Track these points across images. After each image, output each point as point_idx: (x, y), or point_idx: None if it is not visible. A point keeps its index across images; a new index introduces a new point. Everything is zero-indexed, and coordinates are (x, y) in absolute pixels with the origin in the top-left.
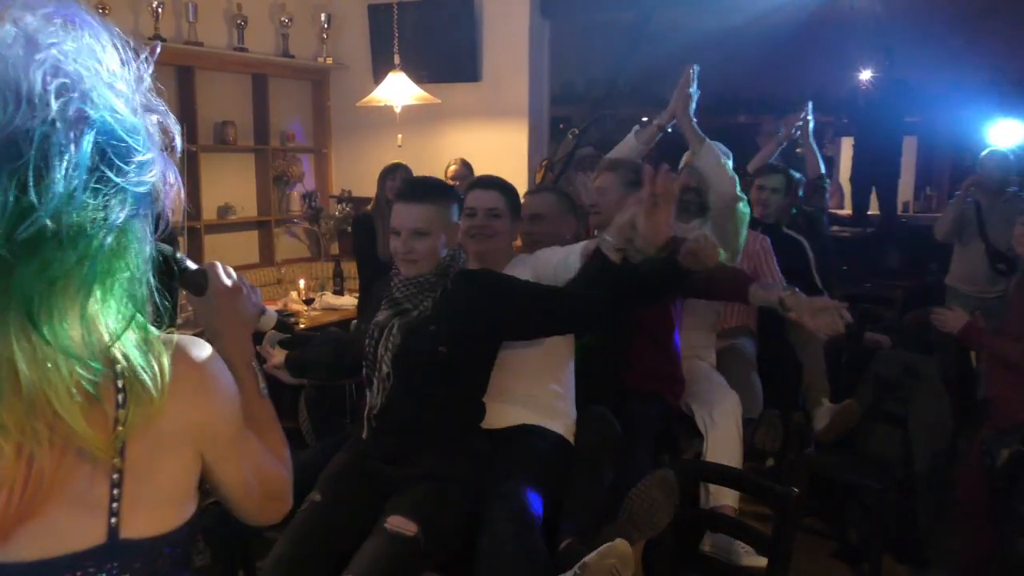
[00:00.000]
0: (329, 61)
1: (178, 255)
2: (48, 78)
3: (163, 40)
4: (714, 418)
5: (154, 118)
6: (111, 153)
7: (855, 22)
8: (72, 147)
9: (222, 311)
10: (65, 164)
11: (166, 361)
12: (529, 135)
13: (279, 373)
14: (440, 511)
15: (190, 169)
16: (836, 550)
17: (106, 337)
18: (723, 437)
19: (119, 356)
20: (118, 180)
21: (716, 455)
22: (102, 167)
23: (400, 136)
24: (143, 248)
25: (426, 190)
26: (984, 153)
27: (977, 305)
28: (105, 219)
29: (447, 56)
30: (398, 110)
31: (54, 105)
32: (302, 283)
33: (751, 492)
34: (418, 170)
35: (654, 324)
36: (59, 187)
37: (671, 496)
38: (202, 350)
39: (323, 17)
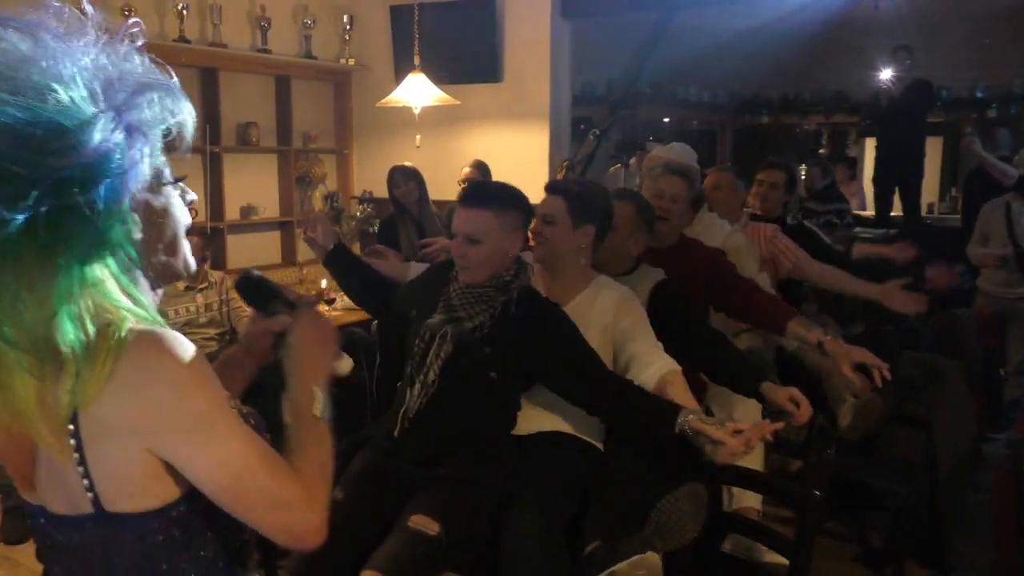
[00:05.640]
0: (351, 62)
1: (270, 282)
2: None
3: (187, 42)
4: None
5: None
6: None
7: (879, 22)
8: None
9: (306, 353)
10: None
11: (110, 356)
12: (550, 136)
13: (314, 246)
14: (464, 513)
15: (213, 170)
16: (858, 554)
17: (42, 328)
18: None
19: (62, 347)
20: (23, 172)
21: None
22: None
23: (418, 137)
24: (76, 241)
25: (486, 196)
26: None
27: (1004, 306)
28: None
29: (468, 57)
30: (417, 111)
31: None
32: (324, 283)
33: (772, 495)
34: (436, 172)
35: None
36: None
37: (700, 509)
38: (155, 347)
39: (345, 19)
